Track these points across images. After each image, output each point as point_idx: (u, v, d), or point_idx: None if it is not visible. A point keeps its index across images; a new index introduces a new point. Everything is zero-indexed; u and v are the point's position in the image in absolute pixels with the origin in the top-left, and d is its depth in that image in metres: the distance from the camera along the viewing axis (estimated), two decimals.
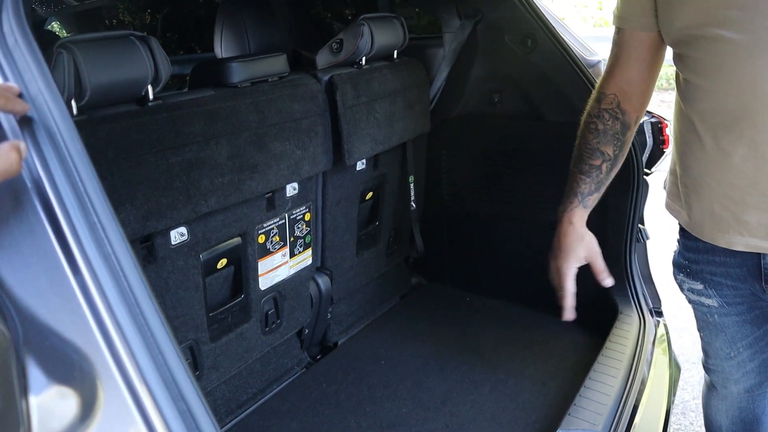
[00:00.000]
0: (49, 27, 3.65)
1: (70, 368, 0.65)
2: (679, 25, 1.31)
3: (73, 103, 1.23)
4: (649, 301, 2.16)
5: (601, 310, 2.14)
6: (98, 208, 0.70)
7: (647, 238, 2.14)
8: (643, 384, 1.79)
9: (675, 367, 2.07)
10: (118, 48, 1.28)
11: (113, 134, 1.27)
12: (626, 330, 1.97)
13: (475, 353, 2.08)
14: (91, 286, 0.68)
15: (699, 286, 1.56)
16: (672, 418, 1.93)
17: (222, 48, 2.08)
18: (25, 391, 0.60)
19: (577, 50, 2.09)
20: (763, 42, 1.20)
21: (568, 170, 2.12)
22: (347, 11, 2.94)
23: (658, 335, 2.06)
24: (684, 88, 1.40)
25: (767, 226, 1.33)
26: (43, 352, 0.64)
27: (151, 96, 1.36)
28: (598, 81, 1.55)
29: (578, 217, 1.57)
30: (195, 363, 1.63)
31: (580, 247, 1.58)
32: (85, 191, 0.70)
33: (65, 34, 3.68)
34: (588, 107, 1.55)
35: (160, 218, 1.36)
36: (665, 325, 2.13)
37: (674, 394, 2.06)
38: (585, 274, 2.22)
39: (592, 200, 1.57)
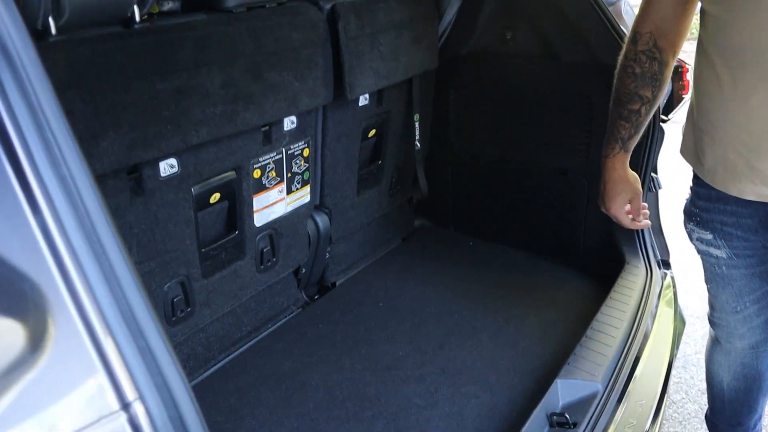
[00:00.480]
0: None
1: (20, 301, 0.59)
2: None
3: (51, 22, 1.14)
4: (658, 252, 2.10)
5: (607, 260, 2.09)
6: (56, 130, 0.63)
7: (659, 188, 2.06)
8: (646, 336, 1.75)
9: (680, 321, 2.02)
10: None
11: (95, 56, 1.19)
12: (632, 281, 1.92)
13: (476, 299, 2.04)
14: (46, 212, 0.62)
15: (708, 236, 1.54)
16: (673, 372, 1.89)
17: None
18: None
19: None
20: None
21: (583, 113, 2.04)
22: None
23: (664, 287, 2.01)
24: (708, 24, 1.35)
25: None
26: None
27: (137, 18, 1.27)
28: (634, 20, 1.51)
29: (620, 162, 1.60)
30: (186, 299, 1.60)
31: (625, 190, 1.62)
32: (42, 112, 0.64)
33: None
34: (624, 50, 1.52)
35: (146, 147, 1.30)
36: (672, 278, 2.08)
37: (677, 348, 2.03)
38: (592, 221, 2.16)
39: (633, 143, 1.59)
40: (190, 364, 1.69)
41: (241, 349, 1.82)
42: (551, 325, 1.90)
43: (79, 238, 0.62)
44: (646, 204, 1.69)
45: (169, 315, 1.57)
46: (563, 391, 1.49)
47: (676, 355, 1.94)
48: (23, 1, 1.10)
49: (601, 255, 2.14)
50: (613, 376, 1.54)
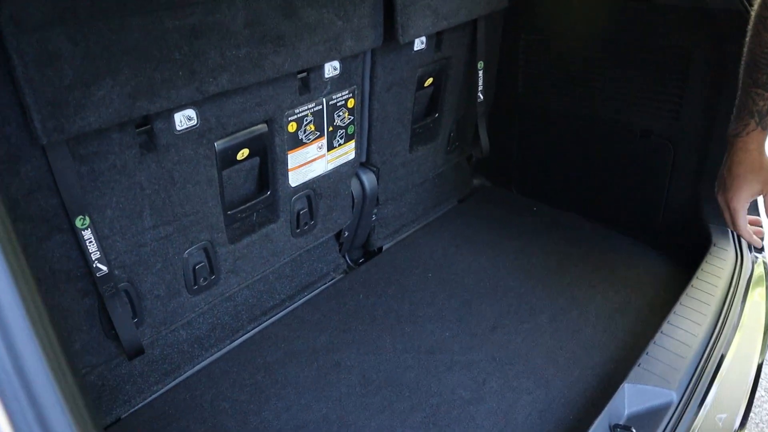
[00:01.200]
0: None
1: None
2: None
3: None
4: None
5: (691, 239, 1.81)
6: None
7: None
8: (733, 335, 1.48)
9: None
10: None
11: None
12: (719, 267, 1.64)
13: (536, 274, 1.81)
14: None
15: None
16: (764, 372, 1.63)
17: None
18: None
19: None
20: None
21: (677, 68, 1.73)
22: None
23: (755, 275, 1.72)
24: None
25: None
26: None
27: None
28: None
29: (756, 142, 1.32)
30: (210, 266, 1.44)
31: (756, 179, 1.34)
32: None
33: None
34: None
35: (153, 97, 1.10)
36: (765, 264, 1.78)
37: None
38: (676, 192, 1.87)
39: None
40: (215, 334, 1.55)
41: (272, 319, 1.66)
42: (621, 312, 1.66)
43: None
44: None
45: (191, 283, 1.41)
46: (630, 398, 1.27)
47: (766, 355, 1.68)
48: None
49: (684, 232, 1.86)
50: (691, 384, 1.30)
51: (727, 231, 1.76)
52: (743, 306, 1.58)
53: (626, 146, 1.92)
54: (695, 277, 1.59)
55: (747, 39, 1.26)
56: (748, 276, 1.67)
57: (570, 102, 2.01)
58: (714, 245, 1.72)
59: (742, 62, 1.29)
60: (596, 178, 2.03)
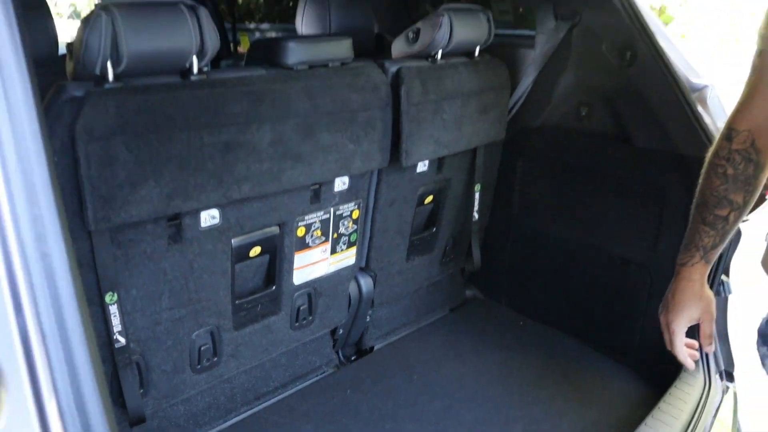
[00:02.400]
0: None
1: None
2: None
3: (110, 68, 1.17)
4: (721, 362, 1.92)
5: (662, 362, 1.92)
6: (43, 200, 0.61)
7: (729, 293, 1.89)
8: None
9: None
10: (163, 15, 1.21)
11: (145, 106, 1.20)
12: (686, 392, 1.75)
13: (515, 385, 1.92)
14: (23, 289, 0.60)
15: None
16: None
17: (303, 24, 2.01)
18: None
19: (681, 70, 1.86)
20: None
21: (653, 204, 1.91)
22: None
23: (723, 402, 1.82)
24: None
25: None
26: None
27: (195, 69, 1.29)
28: (730, 115, 1.36)
29: (699, 273, 1.44)
30: (214, 348, 1.58)
31: (696, 307, 1.46)
32: (32, 179, 0.62)
33: None
34: (715, 146, 1.37)
35: (186, 199, 1.29)
36: (735, 394, 1.89)
37: None
38: (652, 319, 2.00)
39: (715, 253, 1.43)
40: (210, 413, 1.66)
41: (264, 405, 1.77)
42: (590, 427, 1.75)
43: (50, 319, 0.60)
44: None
45: (195, 363, 1.55)
46: None
47: None
48: (81, 46, 1.13)
49: (657, 356, 1.97)
50: None
51: (697, 358, 1.88)
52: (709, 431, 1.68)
53: (609, 272, 2.07)
54: (662, 400, 1.69)
55: (699, 181, 1.40)
56: (715, 404, 1.77)
57: (560, 227, 2.18)
58: (684, 371, 1.83)
59: (694, 201, 1.42)
60: (580, 298, 2.17)
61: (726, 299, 1.94)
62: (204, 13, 1.25)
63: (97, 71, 1.17)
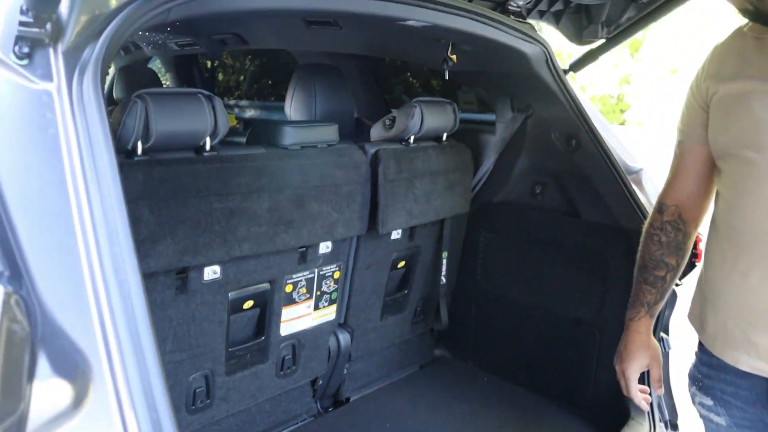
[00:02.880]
0: (152, 65, 4.04)
1: (72, 367, 0.78)
2: (720, 142, 1.42)
3: (139, 144, 1.42)
4: (666, 412, 2.14)
5: (613, 413, 2.14)
6: (123, 241, 0.85)
7: (669, 348, 2.14)
8: None
9: None
10: (186, 103, 1.47)
11: (167, 176, 1.45)
12: None
13: None
14: (104, 305, 0.82)
15: (709, 402, 1.56)
16: None
17: (291, 108, 2.29)
18: (31, 377, 0.73)
19: (619, 156, 2.17)
20: None
21: (599, 269, 2.18)
22: (416, 81, 3.13)
23: None
24: (719, 203, 1.48)
25: None
26: (53, 350, 0.77)
27: (208, 147, 1.55)
28: (660, 193, 1.64)
29: (645, 326, 1.67)
30: (208, 391, 1.76)
31: (644, 355, 1.67)
32: (115, 227, 0.86)
33: (164, 73, 4.06)
34: (650, 218, 1.64)
35: (195, 255, 1.52)
36: None
37: None
38: (602, 372, 2.23)
39: (657, 308, 1.66)
40: None
41: None
42: None
43: (125, 331, 0.82)
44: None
45: (190, 404, 1.72)
46: None
47: None
48: (119, 126, 1.39)
49: (608, 405, 2.19)
50: None
51: (650, 401, 2.10)
52: None
53: (563, 331, 2.31)
54: None
55: (639, 248, 1.65)
56: None
57: (518, 291, 2.43)
58: (631, 419, 2.05)
59: (636, 265, 1.66)
60: (538, 355, 2.40)
61: (667, 354, 2.18)
62: (218, 101, 1.52)
63: (129, 146, 1.42)
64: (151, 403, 0.80)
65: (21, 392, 0.71)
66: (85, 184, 0.87)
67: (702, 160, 1.53)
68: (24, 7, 0.90)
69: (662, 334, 2.13)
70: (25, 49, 0.92)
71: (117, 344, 0.81)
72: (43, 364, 0.76)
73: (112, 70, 3.54)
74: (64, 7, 0.94)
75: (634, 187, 2.14)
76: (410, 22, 1.55)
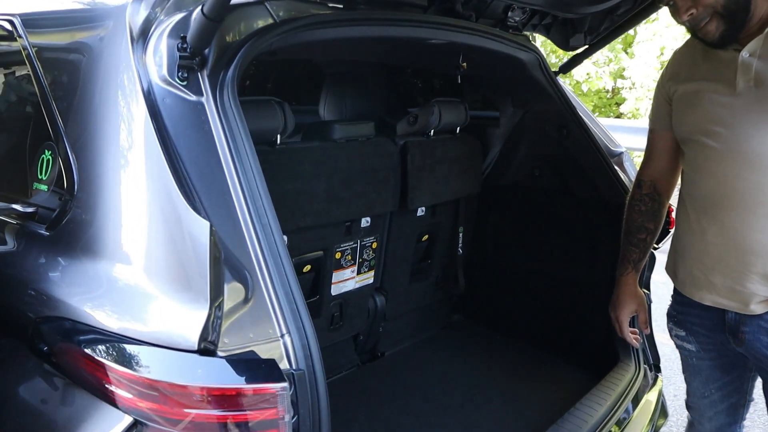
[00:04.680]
0: None
1: (241, 276, 1.22)
2: (681, 130, 1.82)
3: None
4: (650, 356, 2.55)
5: (603, 359, 2.54)
6: (263, 198, 1.29)
7: (650, 302, 2.54)
8: (626, 421, 2.17)
9: (662, 413, 2.45)
10: (263, 107, 1.91)
11: None
12: (621, 375, 2.35)
13: (491, 379, 2.52)
14: (257, 243, 1.26)
15: (682, 333, 1.96)
16: None
17: (325, 110, 2.73)
18: (223, 281, 1.16)
19: (602, 141, 2.60)
20: (733, 152, 1.66)
21: (586, 237, 2.61)
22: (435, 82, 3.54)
23: (649, 384, 2.44)
24: (683, 177, 1.89)
25: (729, 288, 1.74)
26: (230, 265, 1.20)
27: (278, 142, 1.98)
28: (638, 170, 2.03)
29: (632, 279, 2.06)
30: None
31: (633, 303, 2.09)
32: (257, 190, 1.29)
33: None
34: (631, 192, 2.04)
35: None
36: (660, 380, 2.51)
37: None
38: (595, 324, 2.65)
39: (641, 264, 2.07)
40: None
41: None
42: (540, 404, 2.33)
43: (270, 257, 1.26)
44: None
45: None
46: None
47: None
48: None
49: (601, 353, 2.61)
50: None
51: (630, 352, 2.50)
52: (639, 400, 2.29)
53: (561, 291, 2.73)
54: (600, 382, 2.30)
55: (624, 216, 2.05)
56: (641, 382, 2.38)
57: (524, 259, 2.84)
58: (620, 362, 2.46)
59: (622, 230, 2.06)
60: (541, 314, 2.82)
61: (649, 306, 2.60)
62: (287, 106, 1.95)
63: None
64: (291, 299, 1.24)
65: (222, 287, 1.14)
66: (234, 163, 1.31)
67: (670, 144, 1.91)
68: (181, 46, 1.35)
69: (644, 290, 2.54)
70: (185, 74, 1.36)
71: (266, 266, 1.25)
72: (227, 273, 1.20)
73: None
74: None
75: (616, 167, 2.57)
76: (432, 41, 1.99)
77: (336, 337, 2.45)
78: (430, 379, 2.52)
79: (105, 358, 1.13)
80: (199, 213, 1.20)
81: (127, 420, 1.10)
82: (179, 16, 1.41)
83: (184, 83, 1.36)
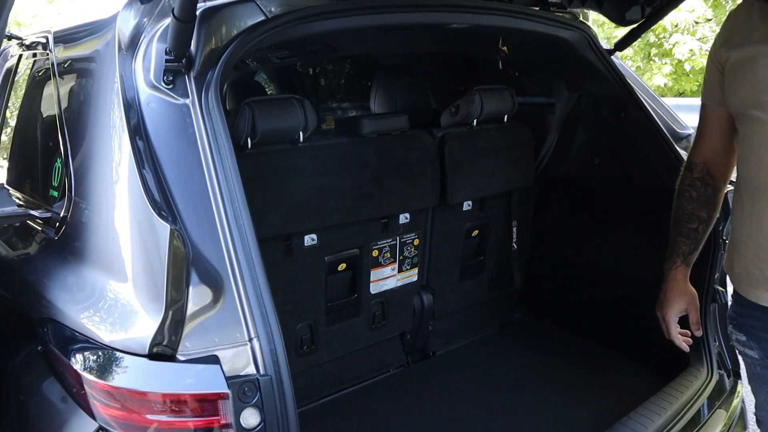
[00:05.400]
0: (258, 78, 4.59)
1: (211, 279, 1.20)
2: (734, 103, 1.62)
3: (249, 140, 1.85)
4: (728, 361, 2.30)
5: (673, 363, 2.32)
6: (239, 200, 1.26)
7: (724, 301, 2.29)
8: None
9: (739, 425, 2.19)
10: (282, 106, 1.89)
11: (270, 164, 1.88)
12: (689, 381, 2.13)
13: (553, 381, 2.36)
14: (231, 246, 1.23)
15: (743, 338, 1.73)
16: None
17: (375, 104, 2.68)
18: (188, 282, 1.15)
19: (667, 123, 2.37)
20: None
21: (652, 230, 2.39)
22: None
23: (727, 392, 2.20)
24: (738, 159, 1.68)
25: None
26: (199, 267, 1.19)
27: (301, 139, 1.95)
28: (688, 151, 1.83)
29: (682, 274, 1.87)
30: (312, 339, 2.17)
31: (682, 301, 1.89)
32: (234, 192, 1.27)
33: (269, 84, 4.60)
34: (681, 176, 1.84)
35: (295, 224, 1.94)
36: (741, 387, 2.25)
37: None
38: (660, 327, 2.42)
39: (692, 257, 1.87)
40: (308, 391, 2.24)
41: (348, 390, 2.33)
42: (604, 407, 2.17)
43: (243, 259, 1.23)
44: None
45: (298, 348, 2.15)
46: None
47: None
48: (232, 127, 1.82)
49: (671, 357, 2.38)
50: None
51: (702, 356, 2.27)
52: (707, 412, 2.07)
53: (627, 289, 2.52)
54: (667, 386, 2.09)
55: (674, 204, 1.84)
56: (714, 393, 2.15)
57: (587, 255, 2.65)
58: (690, 366, 2.24)
59: (671, 219, 1.86)
60: (607, 313, 2.62)
61: (725, 305, 2.35)
62: (307, 103, 1.92)
63: (241, 143, 1.85)
64: (261, 300, 1.21)
65: (183, 290, 1.13)
66: (214, 165, 1.30)
67: (724, 120, 1.69)
68: (167, 49, 1.34)
69: (718, 287, 2.29)
70: (170, 77, 1.36)
71: (239, 268, 1.22)
72: (193, 276, 1.18)
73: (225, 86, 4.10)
74: (192, 47, 1.37)
75: (681, 151, 2.33)
76: (454, 25, 1.88)
77: (378, 336, 2.40)
78: (479, 380, 2.41)
79: (76, 363, 1.15)
80: (171, 216, 1.20)
81: (93, 425, 1.11)
82: (168, 21, 1.41)
83: (170, 86, 1.36)
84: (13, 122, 2.42)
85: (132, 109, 1.33)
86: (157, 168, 1.27)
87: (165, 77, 1.36)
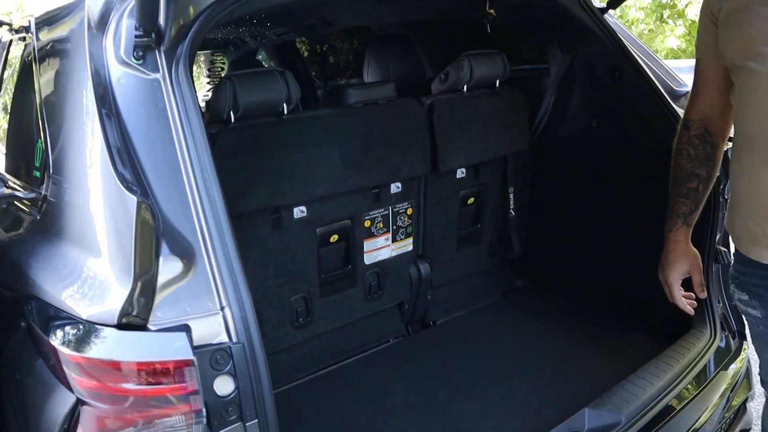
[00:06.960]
0: (259, 57, 4.57)
1: (182, 250, 1.20)
2: (728, 55, 1.56)
3: (232, 114, 1.84)
4: (733, 322, 2.26)
5: (677, 325, 2.29)
6: (209, 169, 1.26)
7: (727, 261, 2.25)
8: (690, 394, 1.95)
9: (745, 386, 2.17)
10: (264, 79, 1.88)
11: (254, 136, 1.87)
12: (690, 344, 2.11)
13: (554, 347, 2.36)
14: (201, 214, 1.24)
15: (745, 297, 1.69)
16: None
17: (368, 75, 2.65)
18: (157, 254, 1.15)
19: (664, 81, 2.32)
20: None
21: (653, 192, 2.35)
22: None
23: (732, 353, 2.18)
24: (734, 115, 1.62)
25: None
26: (170, 240, 1.19)
27: (285, 112, 1.94)
28: (685, 108, 1.77)
29: (683, 236, 1.83)
30: (307, 310, 2.18)
31: (684, 262, 1.85)
32: (204, 162, 1.27)
33: (269, 62, 4.58)
34: (677, 135, 1.79)
35: (282, 196, 1.94)
36: (746, 348, 2.22)
37: (742, 412, 2.17)
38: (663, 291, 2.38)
39: (693, 218, 1.82)
40: (306, 363, 2.26)
41: (347, 360, 2.34)
42: (604, 370, 2.16)
43: (214, 229, 1.23)
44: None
45: (294, 320, 2.16)
46: (589, 419, 1.79)
47: (730, 418, 2.09)
48: (215, 102, 1.82)
49: (674, 319, 2.35)
50: (638, 415, 1.79)
51: (705, 317, 2.23)
52: (709, 372, 2.05)
53: (630, 252, 2.48)
54: (669, 348, 2.06)
55: (672, 164, 1.79)
56: (718, 355, 2.12)
57: (587, 219, 2.61)
58: (693, 328, 2.20)
59: (670, 179, 1.81)
60: (609, 277, 2.59)
61: (728, 266, 2.30)
62: (289, 75, 1.90)
63: (224, 117, 1.85)
64: (232, 270, 1.21)
65: (152, 261, 1.13)
66: (185, 138, 1.29)
67: (719, 74, 1.63)
68: (136, 25, 1.33)
69: (720, 248, 2.24)
70: (140, 53, 1.36)
71: (210, 239, 1.22)
72: (164, 247, 1.18)
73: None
74: (161, 21, 1.36)
75: (680, 110, 2.28)
76: None
77: (375, 307, 2.40)
78: (479, 348, 2.41)
79: (54, 339, 1.16)
80: (141, 190, 1.20)
81: (71, 398, 1.13)
82: None
83: (140, 62, 1.35)
84: (8, 108, 2.45)
85: (103, 86, 1.33)
86: (128, 143, 1.27)
87: (135, 53, 1.35)
